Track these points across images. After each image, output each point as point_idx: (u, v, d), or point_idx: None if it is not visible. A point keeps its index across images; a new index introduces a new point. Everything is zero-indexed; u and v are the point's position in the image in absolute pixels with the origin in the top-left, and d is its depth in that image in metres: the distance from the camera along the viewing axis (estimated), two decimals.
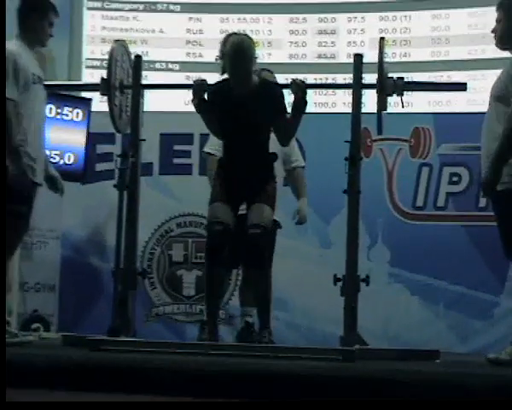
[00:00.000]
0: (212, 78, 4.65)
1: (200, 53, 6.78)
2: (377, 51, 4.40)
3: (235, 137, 4.52)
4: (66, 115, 6.19)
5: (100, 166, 6.54)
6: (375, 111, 4.40)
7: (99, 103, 5.62)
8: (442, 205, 6.33)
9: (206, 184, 5.03)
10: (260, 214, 4.44)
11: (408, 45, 6.58)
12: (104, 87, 4.63)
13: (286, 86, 4.56)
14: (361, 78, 4.48)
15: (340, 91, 6.44)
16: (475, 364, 4.33)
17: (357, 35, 6.65)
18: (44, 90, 4.71)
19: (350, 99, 4.53)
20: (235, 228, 4.45)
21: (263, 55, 4.65)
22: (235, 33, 4.64)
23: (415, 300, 6.22)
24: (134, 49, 5.03)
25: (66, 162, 6.18)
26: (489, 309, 6.09)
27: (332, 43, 6.71)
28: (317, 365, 3.70)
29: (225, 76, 4.55)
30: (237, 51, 4.43)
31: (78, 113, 6.23)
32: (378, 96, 4.39)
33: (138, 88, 4.73)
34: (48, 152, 5.63)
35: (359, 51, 4.75)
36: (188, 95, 4.67)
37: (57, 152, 6.12)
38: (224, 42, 4.57)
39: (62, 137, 6.13)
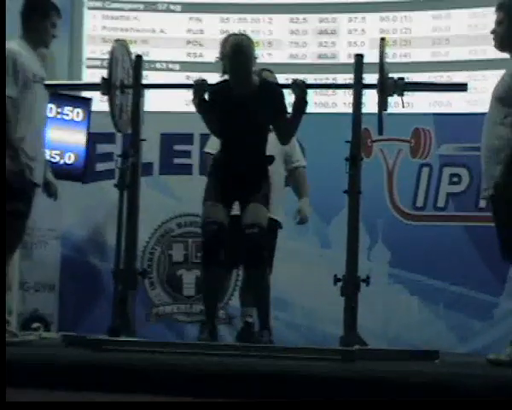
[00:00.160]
0: (213, 78, 4.66)
1: (200, 53, 6.78)
2: (378, 51, 4.40)
3: (233, 137, 4.52)
4: (67, 115, 6.19)
5: (100, 166, 6.54)
6: (376, 111, 4.41)
7: (99, 103, 5.61)
8: (442, 205, 6.33)
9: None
10: (256, 214, 4.44)
11: (408, 46, 6.58)
12: (105, 87, 4.63)
13: (286, 86, 4.57)
14: (361, 78, 4.48)
15: (340, 91, 6.44)
16: (475, 364, 4.33)
17: (357, 35, 6.65)
18: (46, 90, 4.72)
19: (350, 99, 4.54)
20: (229, 227, 4.45)
21: (263, 56, 4.65)
22: (235, 34, 4.65)
23: (414, 300, 6.22)
24: (134, 49, 5.03)
25: (67, 162, 6.18)
26: (489, 310, 6.09)
27: (332, 43, 6.71)
28: (316, 365, 3.70)
29: (226, 77, 4.56)
30: (237, 51, 4.43)
31: (78, 112, 6.23)
32: (378, 97, 4.39)
33: (139, 88, 4.73)
34: (48, 151, 5.65)
35: (360, 51, 4.75)
36: (188, 95, 4.67)
37: (57, 152, 6.12)
38: (224, 42, 4.57)
39: (63, 136, 6.13)
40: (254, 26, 6.58)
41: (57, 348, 4.63)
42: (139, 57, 4.78)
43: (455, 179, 6.30)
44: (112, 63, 4.64)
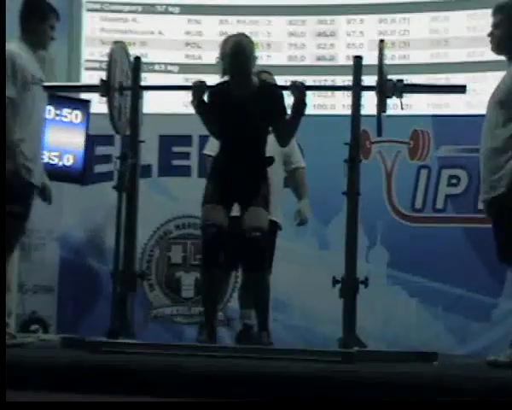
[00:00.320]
0: (212, 79, 4.66)
1: (199, 55, 6.79)
2: (376, 53, 4.40)
3: (233, 138, 4.51)
4: (66, 117, 6.19)
5: (99, 168, 6.54)
6: (375, 113, 4.40)
7: (98, 105, 5.61)
8: (441, 207, 6.34)
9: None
10: (257, 217, 4.44)
11: (407, 47, 6.58)
12: (103, 89, 4.63)
13: (285, 88, 4.57)
14: (360, 80, 4.48)
15: (339, 93, 6.44)
16: (474, 366, 4.33)
17: (356, 37, 6.66)
18: (45, 92, 4.72)
19: (349, 101, 4.53)
20: (228, 229, 4.45)
21: (262, 58, 4.65)
22: (236, 34, 4.65)
23: (413, 302, 6.22)
24: (133, 51, 5.03)
25: (65, 164, 6.18)
26: (488, 311, 6.09)
27: (331, 45, 6.71)
28: (315, 366, 3.70)
29: (226, 78, 4.56)
30: (237, 51, 4.43)
31: (77, 114, 6.23)
32: (377, 99, 4.39)
33: (137, 90, 4.73)
34: (47, 153, 5.66)
35: (358, 53, 4.75)
36: (187, 96, 4.67)
37: (56, 153, 6.12)
38: (225, 43, 4.57)
39: (61, 138, 6.13)
40: (253, 28, 6.57)
41: (56, 350, 4.63)
42: (138, 59, 4.78)
43: (453, 181, 6.31)
44: (110, 65, 4.63)
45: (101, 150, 6.51)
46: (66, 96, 6.17)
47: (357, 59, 4.51)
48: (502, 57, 4.40)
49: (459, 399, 2.96)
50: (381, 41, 4.48)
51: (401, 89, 4.43)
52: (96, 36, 6.83)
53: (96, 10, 6.87)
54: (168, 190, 6.55)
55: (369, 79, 4.47)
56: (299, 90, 4.48)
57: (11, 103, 4.47)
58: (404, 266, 6.22)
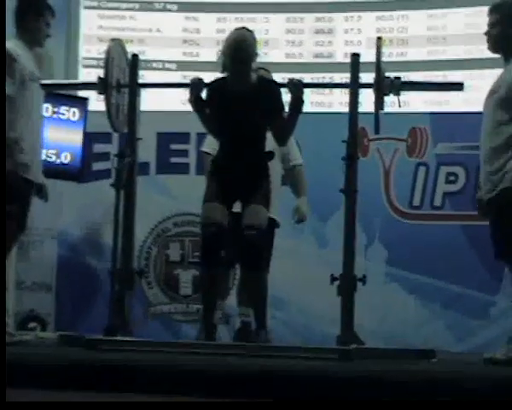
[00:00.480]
0: (209, 77, 4.65)
1: (196, 52, 6.78)
2: (374, 51, 4.40)
3: (231, 135, 4.51)
4: (63, 114, 6.19)
5: (97, 166, 6.54)
6: (372, 110, 4.41)
7: (96, 103, 5.61)
8: (439, 204, 6.34)
9: (203, 183, 5.02)
10: (255, 215, 4.43)
11: (405, 45, 6.58)
12: (101, 86, 4.63)
13: (283, 85, 4.56)
14: (358, 77, 4.48)
15: (336, 91, 6.43)
16: (472, 363, 4.33)
17: (353, 34, 6.65)
18: (42, 89, 4.71)
19: (347, 98, 4.53)
20: (229, 227, 4.44)
21: (259, 55, 4.64)
22: (239, 28, 4.62)
23: (411, 299, 6.23)
24: (131, 49, 5.03)
25: (63, 161, 6.18)
26: (485, 309, 6.10)
27: (329, 42, 6.71)
28: (313, 364, 3.70)
29: (225, 74, 4.55)
30: (239, 42, 4.41)
31: (74, 112, 6.23)
32: (375, 96, 4.39)
33: (135, 87, 4.73)
34: (44, 151, 5.64)
35: (356, 51, 4.74)
36: (185, 94, 4.67)
37: (54, 151, 6.12)
38: (227, 37, 4.55)
39: (59, 136, 6.13)
40: (251, 26, 6.41)
41: (54, 347, 4.63)
42: (135, 56, 4.78)
43: (451, 178, 6.31)
44: (108, 62, 4.63)
45: (98, 148, 6.51)
46: (63, 94, 6.17)
47: (355, 56, 4.51)
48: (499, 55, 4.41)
49: (456, 396, 2.96)
50: (379, 38, 4.48)
51: (399, 86, 4.43)
52: (93, 33, 6.82)
53: (94, 8, 6.87)
54: (166, 187, 6.55)
55: (367, 77, 4.48)
56: (297, 88, 4.47)
57: (10, 101, 4.46)
58: (403, 264, 6.23)
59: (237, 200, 4.54)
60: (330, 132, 5.55)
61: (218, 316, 4.95)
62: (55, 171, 5.96)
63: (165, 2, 6.87)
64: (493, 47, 4.37)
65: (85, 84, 5.82)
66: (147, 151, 5.96)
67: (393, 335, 5.95)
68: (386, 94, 4.42)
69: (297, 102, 4.47)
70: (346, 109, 4.52)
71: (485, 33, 4.38)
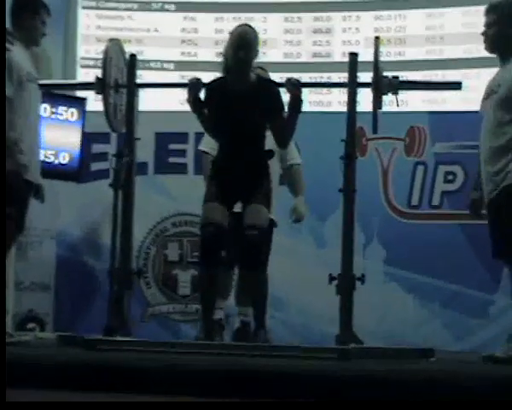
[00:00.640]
0: (207, 77, 4.65)
1: (194, 52, 6.78)
2: (372, 50, 4.40)
3: (231, 134, 4.50)
4: (61, 115, 6.19)
5: (95, 166, 6.54)
6: (371, 110, 4.41)
7: (94, 103, 5.61)
8: (437, 204, 6.34)
9: (201, 183, 5.03)
10: (257, 215, 4.43)
11: (403, 44, 6.58)
12: (99, 86, 4.63)
13: (281, 85, 4.56)
14: (356, 77, 4.48)
15: (335, 90, 6.44)
16: (470, 362, 4.33)
17: (352, 34, 6.65)
18: (39, 89, 4.71)
19: (345, 98, 4.54)
20: (230, 227, 4.44)
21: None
22: (242, 24, 4.63)
23: (410, 298, 6.23)
24: (129, 49, 5.03)
25: (61, 162, 6.17)
26: (484, 307, 6.10)
27: (327, 42, 6.71)
28: (312, 363, 3.70)
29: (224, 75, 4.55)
30: (241, 38, 4.42)
31: (72, 112, 6.23)
32: (373, 95, 4.39)
33: (133, 87, 4.73)
34: (43, 151, 5.64)
35: (354, 50, 4.75)
36: (183, 94, 4.66)
37: (52, 152, 6.11)
38: (230, 33, 4.55)
39: (57, 136, 6.12)
40: None
41: (53, 347, 4.63)
42: (133, 56, 4.78)
43: (450, 177, 6.31)
44: (106, 63, 4.63)
45: (97, 148, 6.51)
46: (61, 94, 6.17)
47: (353, 56, 4.52)
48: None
49: (456, 395, 2.96)
50: (377, 38, 4.48)
51: (397, 85, 4.43)
52: (91, 33, 6.82)
53: (92, 8, 6.86)
54: (164, 187, 6.54)
55: (365, 76, 4.48)
56: (296, 87, 4.47)
57: (7, 102, 4.46)
58: (401, 263, 6.23)
59: (238, 200, 4.53)
60: (328, 132, 5.55)
61: (220, 316, 4.94)
62: (54, 171, 5.96)
63: (163, 2, 6.87)
64: (490, 47, 4.37)
65: (83, 85, 5.82)
66: (145, 151, 5.96)
67: (392, 334, 5.95)
68: (385, 93, 4.43)
69: (296, 101, 4.47)
70: (344, 109, 4.52)
71: (482, 33, 4.38)
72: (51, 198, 5.21)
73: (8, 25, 4.64)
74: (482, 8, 4.47)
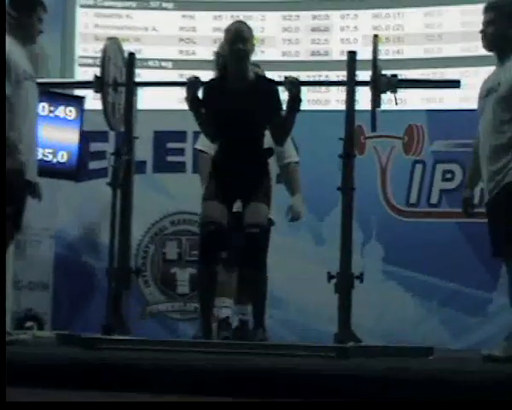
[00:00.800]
0: (206, 75, 4.65)
1: (193, 51, 6.78)
2: (370, 48, 4.40)
3: (230, 133, 4.50)
4: (60, 113, 6.18)
5: (93, 165, 6.53)
6: (369, 108, 4.41)
7: (92, 101, 5.60)
8: (435, 202, 6.34)
9: (199, 181, 5.03)
10: (257, 213, 4.43)
11: (401, 42, 6.58)
12: (97, 85, 4.63)
13: (280, 84, 4.56)
14: (354, 75, 4.48)
15: (333, 89, 6.44)
16: (469, 360, 4.34)
17: (350, 32, 6.65)
18: (36, 87, 4.70)
19: (343, 96, 4.54)
20: (229, 226, 4.44)
21: (256, 53, 4.64)
22: (236, 21, 4.64)
23: (409, 297, 6.23)
24: (127, 47, 5.02)
25: (60, 160, 6.17)
26: (483, 306, 6.10)
27: (325, 40, 6.71)
28: (310, 362, 3.70)
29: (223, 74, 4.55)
30: (236, 34, 4.42)
31: (71, 111, 6.22)
32: (372, 94, 4.39)
33: (131, 86, 4.73)
34: (41, 150, 5.63)
35: (352, 48, 4.75)
36: (181, 92, 4.66)
37: (50, 150, 6.11)
38: (226, 30, 4.55)
39: (55, 135, 6.12)
40: None
41: (51, 346, 4.63)
42: (132, 55, 4.77)
43: (448, 176, 6.31)
44: (104, 61, 4.63)
45: (95, 147, 6.51)
46: (60, 93, 6.16)
47: (352, 54, 4.52)
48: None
49: (454, 394, 2.97)
50: (375, 36, 4.48)
51: (395, 84, 4.43)
52: (89, 32, 6.81)
53: (90, 6, 6.86)
54: (163, 186, 6.54)
55: (364, 74, 4.48)
56: (294, 86, 4.47)
57: (6, 101, 4.45)
58: (399, 261, 6.23)
59: (237, 199, 4.53)
60: (327, 130, 5.55)
61: (228, 314, 4.93)
62: (52, 170, 5.96)
63: (162, 1, 6.86)
64: (488, 45, 4.37)
65: (82, 83, 5.83)
66: (143, 150, 5.96)
67: (391, 332, 5.95)
68: (383, 92, 4.43)
69: (294, 100, 4.47)
70: (342, 107, 4.52)
71: (481, 31, 4.38)
72: (49, 197, 5.21)
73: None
74: (481, 7, 4.46)
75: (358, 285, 4.31)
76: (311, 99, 6.39)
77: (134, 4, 6.86)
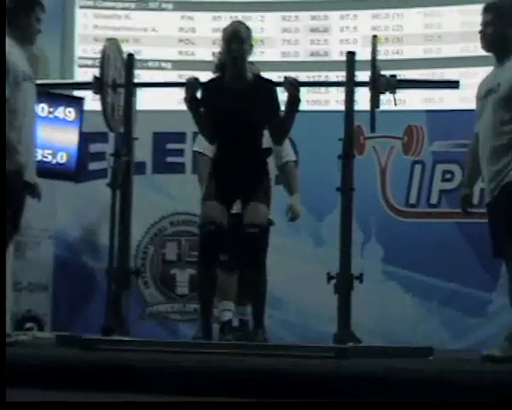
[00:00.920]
0: (205, 76, 4.65)
1: (192, 51, 6.78)
2: (370, 49, 4.40)
3: (229, 133, 4.50)
4: (59, 114, 6.18)
5: (93, 166, 6.53)
6: (368, 109, 4.41)
7: (92, 102, 5.61)
8: (435, 202, 6.34)
9: (198, 183, 5.04)
10: (256, 213, 4.44)
11: (400, 43, 6.58)
12: (97, 86, 4.63)
13: (279, 84, 4.56)
14: (354, 75, 4.48)
15: (332, 89, 6.44)
16: (469, 361, 4.34)
17: (349, 33, 6.65)
18: (34, 88, 4.69)
19: (343, 97, 4.54)
20: (229, 226, 4.44)
21: (255, 54, 4.64)
22: (234, 21, 4.65)
23: (408, 297, 6.23)
24: (126, 48, 5.03)
25: (59, 161, 6.17)
26: (482, 306, 6.10)
27: (324, 40, 6.71)
28: (310, 362, 3.70)
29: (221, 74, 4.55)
30: (233, 35, 4.43)
31: (70, 112, 6.22)
32: (371, 94, 4.39)
33: (131, 86, 4.73)
34: (40, 151, 5.64)
35: (352, 49, 4.75)
36: (180, 93, 4.66)
37: (50, 151, 6.11)
38: (223, 30, 4.56)
39: (55, 136, 6.12)
40: None
41: (51, 347, 4.62)
42: (131, 56, 4.78)
43: (448, 176, 6.31)
44: (104, 62, 4.63)
45: (94, 148, 6.51)
46: (59, 94, 6.16)
47: (351, 54, 4.52)
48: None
49: (454, 394, 2.96)
50: (375, 36, 4.48)
51: (394, 84, 4.44)
52: (89, 33, 6.81)
53: (89, 7, 6.86)
54: (162, 187, 6.54)
55: (363, 75, 4.48)
56: (293, 86, 4.47)
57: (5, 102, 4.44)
58: (399, 262, 6.22)
59: (237, 199, 4.53)
60: (326, 131, 5.55)
61: (230, 317, 4.92)
62: (52, 171, 5.95)
63: (161, 2, 6.86)
64: (487, 46, 4.37)
65: (81, 84, 5.83)
66: (143, 151, 5.96)
67: (390, 333, 5.95)
68: (382, 92, 4.43)
69: (294, 100, 4.47)
70: (342, 107, 4.52)
71: (480, 32, 4.38)
72: (49, 198, 5.20)
73: None
74: (480, 7, 4.46)
75: (358, 286, 4.31)
76: (310, 99, 6.40)
77: (133, 5, 6.86)
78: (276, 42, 6.74)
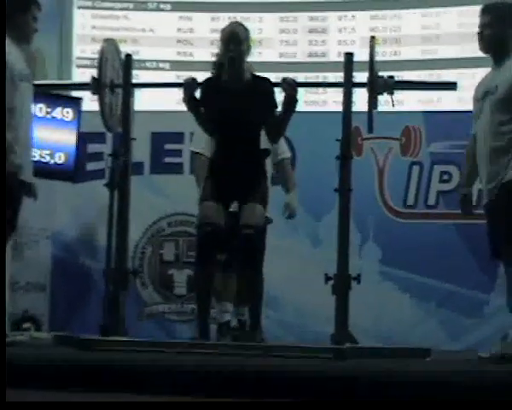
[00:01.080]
0: (203, 76, 4.65)
1: (190, 52, 6.78)
2: (368, 50, 4.40)
3: (226, 133, 4.51)
4: (57, 115, 6.18)
5: (91, 166, 6.53)
6: (366, 110, 4.41)
7: (90, 103, 5.61)
8: (433, 203, 6.34)
9: (195, 183, 5.04)
10: (252, 214, 4.43)
11: (398, 44, 6.59)
12: (95, 86, 4.63)
13: (276, 85, 4.56)
14: (351, 76, 4.48)
15: (330, 90, 6.44)
16: (466, 361, 4.34)
17: (347, 34, 6.66)
18: (31, 88, 4.68)
19: (340, 97, 4.54)
20: (226, 226, 4.44)
21: (253, 54, 4.65)
22: (230, 22, 4.65)
23: (406, 298, 6.23)
24: (124, 49, 5.03)
25: (57, 162, 6.17)
26: (480, 307, 6.10)
27: (322, 41, 6.71)
28: (307, 363, 3.70)
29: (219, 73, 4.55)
30: (230, 35, 4.43)
31: (68, 112, 6.22)
32: (369, 95, 4.40)
33: (129, 87, 4.73)
34: (38, 151, 5.64)
35: (350, 50, 4.75)
36: (179, 94, 4.67)
37: (48, 151, 6.10)
38: (221, 31, 4.56)
39: (53, 136, 6.12)
40: None
41: (48, 348, 4.62)
42: (129, 56, 4.78)
43: (445, 177, 6.31)
44: (102, 62, 4.63)
45: (92, 148, 6.51)
46: (57, 94, 6.16)
47: (349, 55, 4.52)
48: None
49: (451, 395, 2.97)
50: (372, 37, 4.49)
51: (392, 85, 4.44)
52: (87, 33, 6.81)
53: (87, 8, 6.86)
54: (160, 187, 6.54)
55: (361, 76, 4.48)
56: (291, 87, 4.47)
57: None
58: (397, 263, 6.23)
59: (234, 199, 4.53)
60: (324, 131, 5.55)
61: (228, 318, 4.93)
62: (50, 171, 5.95)
63: (159, 2, 6.86)
64: (484, 47, 4.37)
65: (79, 85, 5.83)
66: (141, 151, 5.95)
67: (388, 334, 5.95)
68: (380, 93, 4.43)
69: (291, 101, 4.47)
70: (339, 108, 4.53)
71: (477, 34, 4.38)
72: (47, 198, 5.20)
73: None
74: (478, 9, 4.47)
75: (356, 286, 4.31)
76: (308, 100, 6.40)
77: (131, 6, 6.87)
78: (274, 43, 6.74)
